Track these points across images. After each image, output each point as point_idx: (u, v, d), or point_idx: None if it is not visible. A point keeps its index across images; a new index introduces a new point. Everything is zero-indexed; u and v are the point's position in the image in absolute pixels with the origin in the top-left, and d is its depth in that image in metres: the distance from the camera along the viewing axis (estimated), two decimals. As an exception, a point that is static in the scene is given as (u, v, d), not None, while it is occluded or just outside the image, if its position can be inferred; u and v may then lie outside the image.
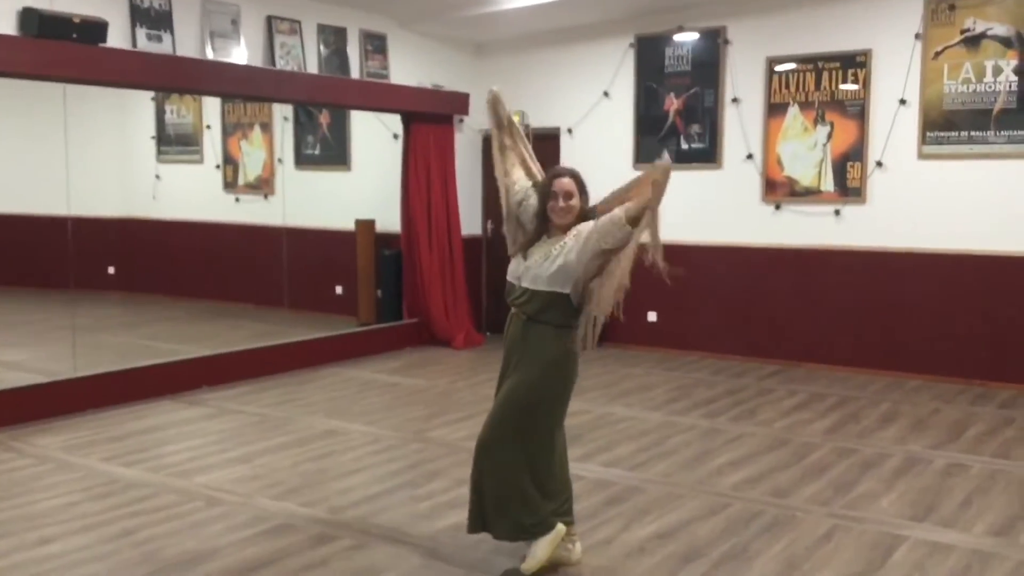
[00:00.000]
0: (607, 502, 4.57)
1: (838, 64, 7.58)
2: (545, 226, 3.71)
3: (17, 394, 6.04)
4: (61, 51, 5.82)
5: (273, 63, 7.29)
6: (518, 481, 3.64)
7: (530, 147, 4.09)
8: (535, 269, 3.65)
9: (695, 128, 8.29)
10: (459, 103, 8.96)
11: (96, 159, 9.78)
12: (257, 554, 3.90)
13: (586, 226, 3.60)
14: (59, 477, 4.91)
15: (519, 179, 3.95)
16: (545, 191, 3.71)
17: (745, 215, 8.09)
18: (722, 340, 8.27)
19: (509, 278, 3.80)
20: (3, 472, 4.99)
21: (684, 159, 8.34)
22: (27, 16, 5.71)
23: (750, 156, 8.01)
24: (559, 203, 3.64)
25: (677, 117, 8.37)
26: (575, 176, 3.70)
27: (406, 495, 4.67)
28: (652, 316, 8.60)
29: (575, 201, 3.65)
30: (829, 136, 7.66)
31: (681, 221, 8.34)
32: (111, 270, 10.59)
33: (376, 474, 5.01)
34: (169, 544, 4.00)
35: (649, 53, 8.47)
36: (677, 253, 8.39)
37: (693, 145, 8.31)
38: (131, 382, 6.58)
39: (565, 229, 3.66)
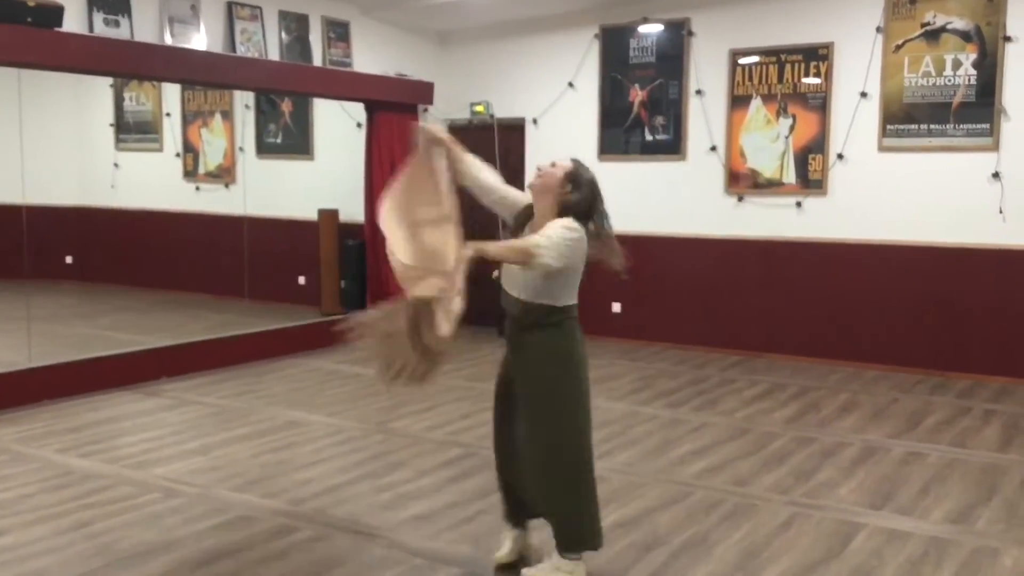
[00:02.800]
0: (570, 492, 4.56)
1: (800, 57, 7.63)
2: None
3: (-31, 385, 5.91)
4: (15, 35, 5.68)
5: (233, 49, 7.19)
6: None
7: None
8: None
9: (659, 120, 8.31)
10: (423, 92, 8.90)
11: (53, 146, 9.61)
12: (215, 546, 3.85)
13: (557, 222, 3.37)
14: (13, 469, 4.81)
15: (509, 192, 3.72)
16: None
17: (708, 207, 8.12)
18: (685, 331, 8.31)
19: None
20: (-46, 464, 4.89)
21: (649, 150, 8.36)
22: (-21, -1, 5.58)
23: (713, 148, 8.05)
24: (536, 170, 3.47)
25: (642, 108, 8.38)
26: (576, 163, 3.52)
27: (368, 486, 4.63)
28: (616, 307, 8.62)
29: (550, 173, 3.45)
30: (791, 128, 7.72)
31: (645, 212, 8.38)
32: (68, 259, 10.40)
33: (338, 465, 4.97)
34: (125, 536, 3.93)
35: (614, 44, 8.47)
36: (641, 244, 8.46)
37: (657, 137, 8.33)
38: (88, 373, 6.47)
39: (542, 217, 3.46)
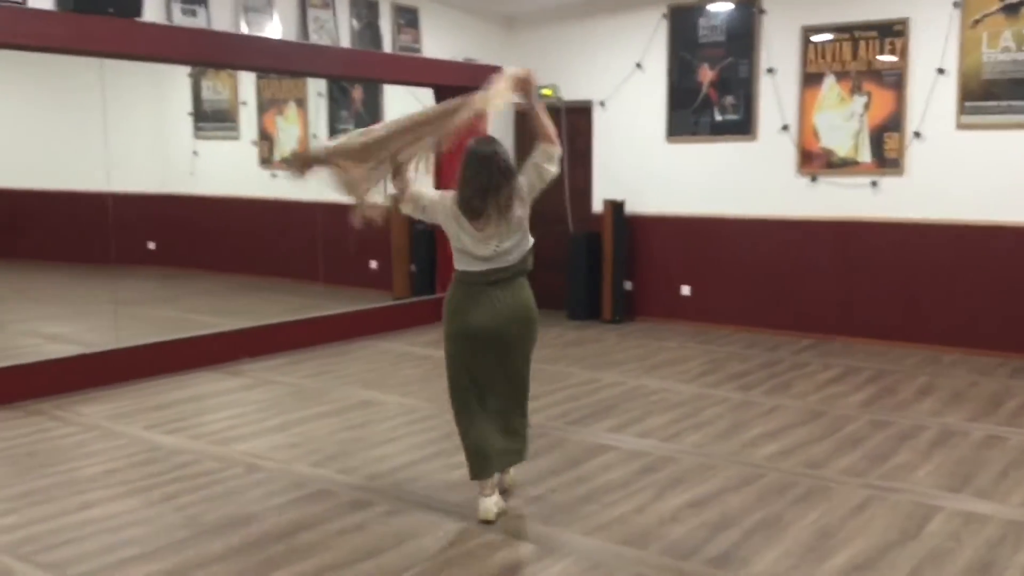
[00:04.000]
0: (640, 472, 4.59)
1: (875, 33, 7.46)
2: None
3: (61, 364, 6.17)
4: (97, 25, 5.89)
5: (306, 37, 7.33)
6: None
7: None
8: None
9: (729, 99, 8.22)
10: (491, 76, 8.92)
11: (134, 135, 9.90)
12: (295, 518, 3.98)
13: None
14: (102, 445, 5.03)
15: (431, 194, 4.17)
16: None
17: (780, 187, 8.02)
18: (756, 314, 8.23)
19: None
20: (48, 440, 5.12)
21: (718, 131, 8.28)
22: (65, -9, 5.79)
23: (785, 127, 7.93)
24: None
25: (711, 88, 8.30)
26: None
27: (441, 463, 4.72)
28: (686, 290, 8.57)
29: None
30: (866, 106, 7.56)
31: (715, 194, 8.32)
32: (151, 245, 10.74)
33: (411, 443, 5.07)
34: (210, 509, 4.09)
35: (682, 24, 8.39)
36: (710, 226, 8.41)
37: (727, 116, 8.24)
38: (172, 353, 6.70)
39: None
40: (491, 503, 3.94)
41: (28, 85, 11.12)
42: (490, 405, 4.00)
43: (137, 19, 6.11)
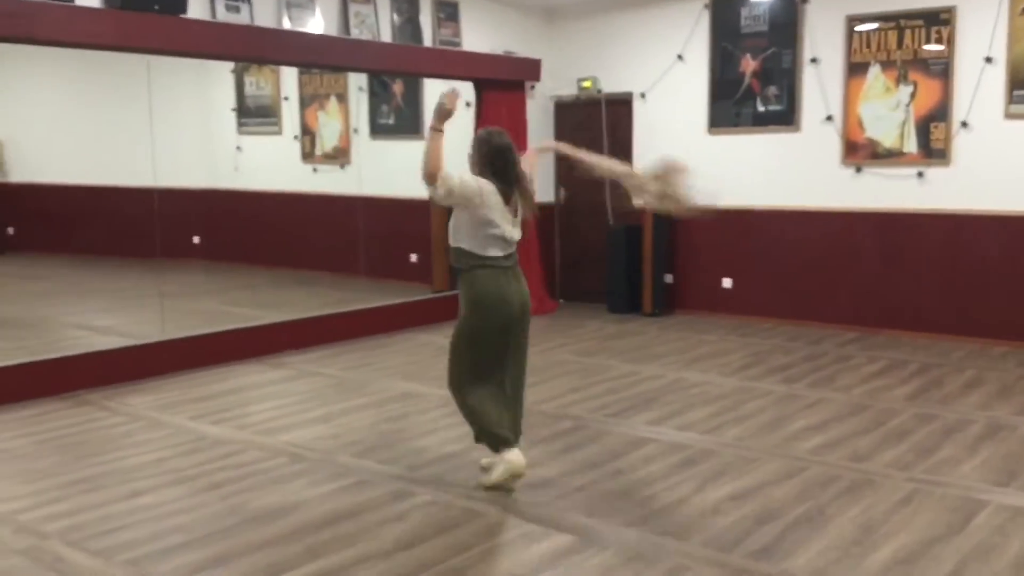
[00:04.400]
0: (680, 464, 4.57)
1: (921, 22, 7.33)
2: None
3: (109, 356, 6.29)
4: (143, 22, 5.98)
5: (348, 32, 7.38)
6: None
7: None
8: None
9: (772, 90, 8.13)
10: (531, 69, 8.94)
11: (179, 131, 10.05)
12: (338, 508, 4.02)
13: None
14: (149, 434, 5.12)
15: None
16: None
17: (824, 178, 7.92)
18: (799, 306, 8.14)
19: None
20: (97, 429, 5.23)
21: (761, 122, 8.20)
22: (111, -12, 5.89)
23: (830, 118, 7.83)
24: None
25: (753, 79, 8.22)
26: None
27: (480, 454, 4.72)
28: (727, 282, 8.51)
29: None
30: (912, 96, 7.44)
31: (757, 185, 8.24)
32: (195, 239, 10.90)
33: (451, 435, 5.09)
34: (255, 497, 4.15)
35: (725, 14, 8.32)
36: (753, 218, 8.33)
37: (770, 107, 8.15)
38: (217, 345, 6.80)
39: None
40: (519, 453, 4.19)
41: (78, 82, 11.35)
42: (506, 381, 4.24)
43: (182, 16, 6.20)
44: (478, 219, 4.10)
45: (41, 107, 12.04)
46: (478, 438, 4.29)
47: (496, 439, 4.18)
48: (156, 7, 6.02)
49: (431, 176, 3.97)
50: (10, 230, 12.06)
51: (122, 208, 10.62)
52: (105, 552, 3.58)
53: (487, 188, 4.10)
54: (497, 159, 4.14)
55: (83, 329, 7.75)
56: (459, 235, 4.18)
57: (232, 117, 11.01)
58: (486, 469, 4.32)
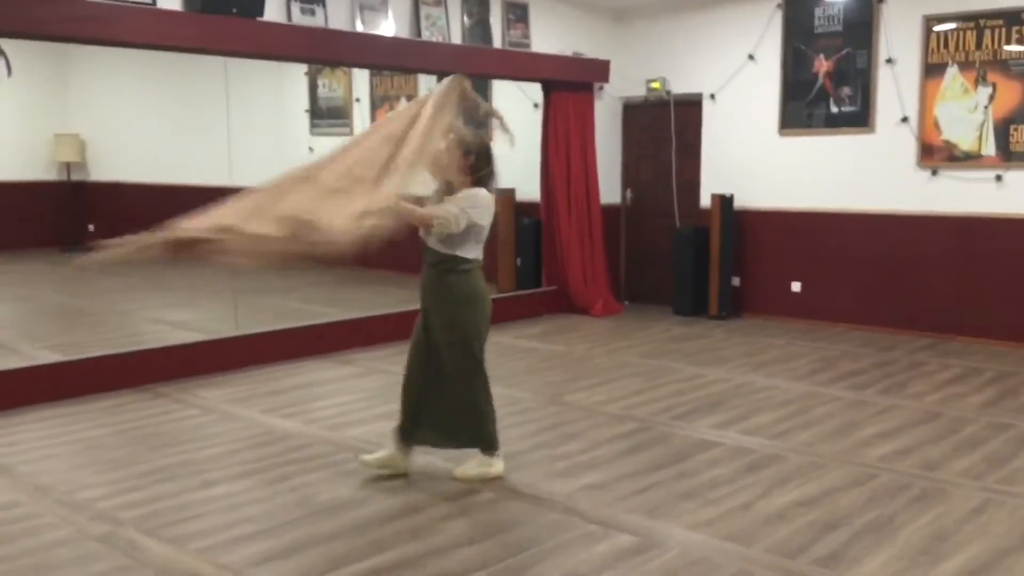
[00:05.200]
0: (746, 469, 4.53)
1: (1001, 22, 7.13)
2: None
3: (184, 350, 6.48)
4: (222, 24, 6.14)
5: (419, 34, 7.47)
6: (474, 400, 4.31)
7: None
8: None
9: (846, 91, 7.98)
10: (599, 70, 8.93)
11: (254, 132, 10.28)
12: (403, 503, 4.08)
13: (466, 193, 4.16)
14: (222, 427, 5.26)
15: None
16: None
17: (898, 181, 7.75)
18: (871, 311, 7.98)
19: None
20: (171, 421, 5.39)
21: (834, 123, 8.06)
22: (192, -8, 6.06)
23: (905, 119, 7.66)
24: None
25: (827, 79, 8.08)
26: (459, 132, 4.21)
27: (544, 454, 4.76)
28: (796, 286, 8.38)
29: (445, 154, 4.19)
30: (991, 98, 7.23)
31: (829, 188, 8.11)
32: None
33: (515, 434, 5.12)
34: (323, 490, 4.23)
35: (798, 14, 8.20)
36: (824, 221, 8.19)
37: (843, 108, 8.01)
38: (287, 341, 6.94)
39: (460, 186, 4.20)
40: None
41: (157, 84, 11.69)
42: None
43: (259, 19, 6.34)
44: (478, 229, 4.17)
45: (122, 108, 12.47)
46: (474, 441, 4.34)
47: (494, 440, 4.36)
48: (234, 10, 6.17)
49: (443, 226, 4.06)
50: (90, 227, 12.50)
51: (198, 206, 10.87)
52: (178, 540, 3.70)
53: (490, 200, 4.21)
54: (488, 160, 4.25)
55: (159, 324, 7.99)
56: (452, 244, 4.15)
57: (305, 118, 11.24)
58: (372, 465, 4.40)
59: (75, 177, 12.63)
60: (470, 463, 4.38)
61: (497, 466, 4.38)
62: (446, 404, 4.33)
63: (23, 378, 5.71)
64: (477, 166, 4.20)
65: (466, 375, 4.28)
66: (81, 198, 12.55)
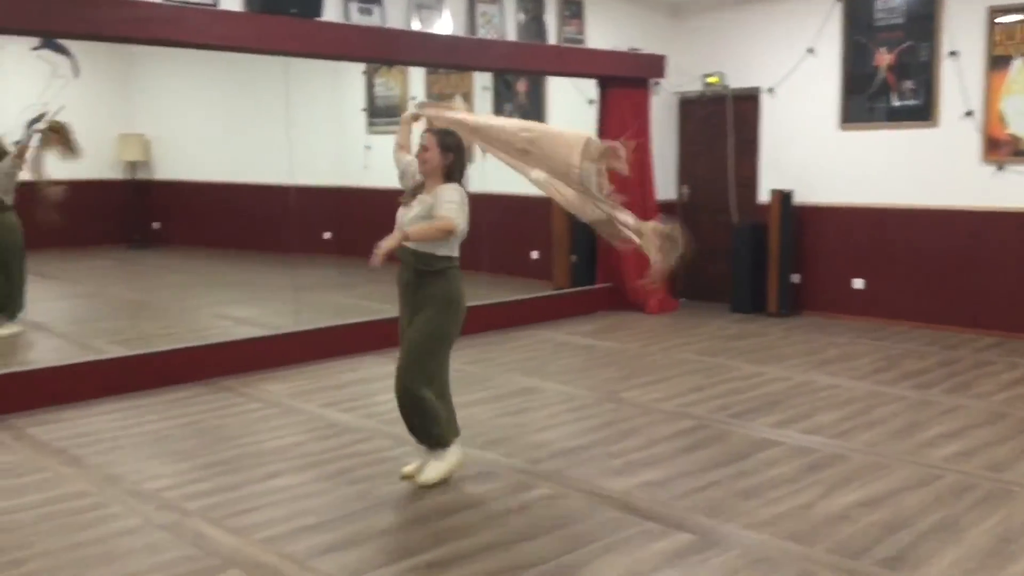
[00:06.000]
0: (807, 468, 4.47)
1: (1075, 9, 6.93)
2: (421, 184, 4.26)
3: (247, 345, 6.61)
4: (282, 25, 6.24)
5: (474, 32, 7.50)
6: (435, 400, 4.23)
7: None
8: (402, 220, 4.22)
9: (908, 84, 7.83)
10: (655, 65, 8.87)
11: (313, 131, 10.43)
12: (460, 497, 4.12)
13: (445, 190, 4.11)
14: (284, 420, 5.36)
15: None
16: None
17: (962, 176, 7.58)
18: (935, 310, 7.82)
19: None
20: (236, 415, 5.50)
21: (895, 117, 7.91)
22: (252, -7, 6.17)
23: (969, 113, 7.49)
24: (419, 153, 4.20)
25: (888, 73, 7.93)
26: (438, 134, 4.20)
27: (601, 451, 4.76)
28: (858, 283, 8.24)
29: (429, 155, 4.15)
30: (1062, 89, 7.04)
31: (891, 183, 7.96)
32: (326, 235, 11.29)
33: (571, 430, 5.14)
34: (382, 484, 4.29)
35: (858, 7, 8.05)
36: (886, 217, 8.04)
37: (905, 102, 7.85)
38: (346, 337, 7.04)
39: (432, 185, 4.17)
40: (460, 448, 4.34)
41: (219, 84, 11.92)
42: (445, 377, 4.38)
43: (318, 19, 6.43)
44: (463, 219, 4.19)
45: (185, 108, 12.73)
46: (429, 437, 4.25)
47: (443, 438, 4.26)
48: (293, 10, 6.27)
49: (452, 233, 4.10)
50: (155, 225, 12.80)
51: (259, 204, 11.09)
52: (243, 530, 3.78)
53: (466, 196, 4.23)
54: (465, 161, 4.29)
55: (223, 319, 8.14)
56: (435, 243, 4.13)
57: (362, 117, 11.36)
58: (409, 476, 4.30)
59: (140, 176, 12.92)
60: (428, 469, 4.26)
61: (451, 458, 4.28)
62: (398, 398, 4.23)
63: (93, 371, 5.88)
64: (457, 165, 4.20)
65: (419, 371, 4.15)
66: (146, 196, 12.84)
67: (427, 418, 4.20)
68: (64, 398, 5.61)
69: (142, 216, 12.70)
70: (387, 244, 4.00)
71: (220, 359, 6.35)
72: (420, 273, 4.17)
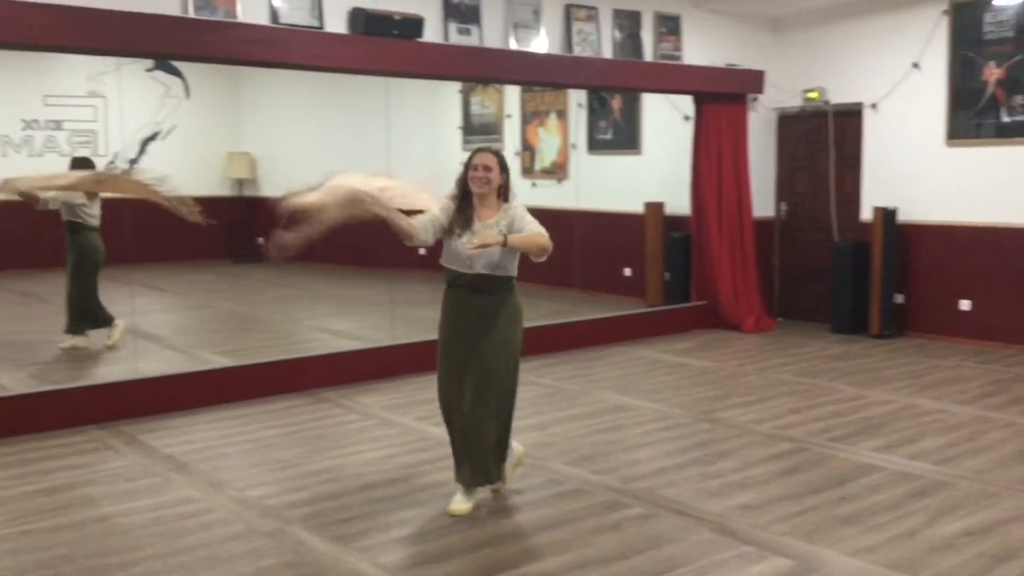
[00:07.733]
0: (911, 495, 4.34)
1: None
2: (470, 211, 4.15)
3: (345, 358, 6.77)
4: (384, 46, 6.41)
5: (570, 50, 7.55)
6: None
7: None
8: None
9: (1018, 99, 7.53)
10: (753, 81, 8.76)
11: (411, 148, 10.63)
12: (552, 513, 4.13)
13: (519, 210, 4.14)
14: (380, 432, 5.47)
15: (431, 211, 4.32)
16: (466, 167, 4.14)
17: (1080, 194, 7.25)
18: (1048, 332, 7.48)
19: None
20: (334, 425, 5.63)
21: (1005, 133, 7.62)
22: (355, 15, 6.33)
23: (1088, 128, 7.17)
24: (477, 172, 4.08)
25: (997, 88, 7.65)
26: (496, 154, 4.17)
27: (696, 471, 4.71)
28: (965, 304, 7.94)
29: (493, 174, 4.09)
30: None
31: (1001, 200, 7.67)
32: (421, 251, 11.44)
33: (665, 449, 5.09)
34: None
35: (966, 20, 7.80)
36: (996, 236, 7.75)
37: (1015, 118, 7.56)
38: (439, 352, 7.12)
39: (489, 207, 4.12)
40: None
41: (323, 104, 12.27)
42: None
43: (419, 40, 6.58)
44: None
45: (290, 127, 13.14)
46: (498, 463, 4.26)
47: (501, 473, 4.31)
48: (396, 32, 6.42)
49: (548, 250, 4.17)
50: (260, 240, 13.19)
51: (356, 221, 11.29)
52: (340, 539, 3.87)
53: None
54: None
55: (322, 332, 8.36)
56: (505, 266, 4.20)
57: (458, 134, 11.53)
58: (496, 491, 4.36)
59: (246, 193, 13.38)
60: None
61: (518, 450, 4.44)
62: (486, 436, 4.14)
63: (199, 381, 6.11)
64: (508, 184, 4.20)
65: (510, 394, 4.26)
66: (252, 213, 13.29)
67: (502, 452, 4.27)
68: (173, 406, 5.85)
69: (248, 232, 13.13)
70: (487, 240, 3.98)
71: (320, 371, 6.52)
72: (492, 295, 4.20)
